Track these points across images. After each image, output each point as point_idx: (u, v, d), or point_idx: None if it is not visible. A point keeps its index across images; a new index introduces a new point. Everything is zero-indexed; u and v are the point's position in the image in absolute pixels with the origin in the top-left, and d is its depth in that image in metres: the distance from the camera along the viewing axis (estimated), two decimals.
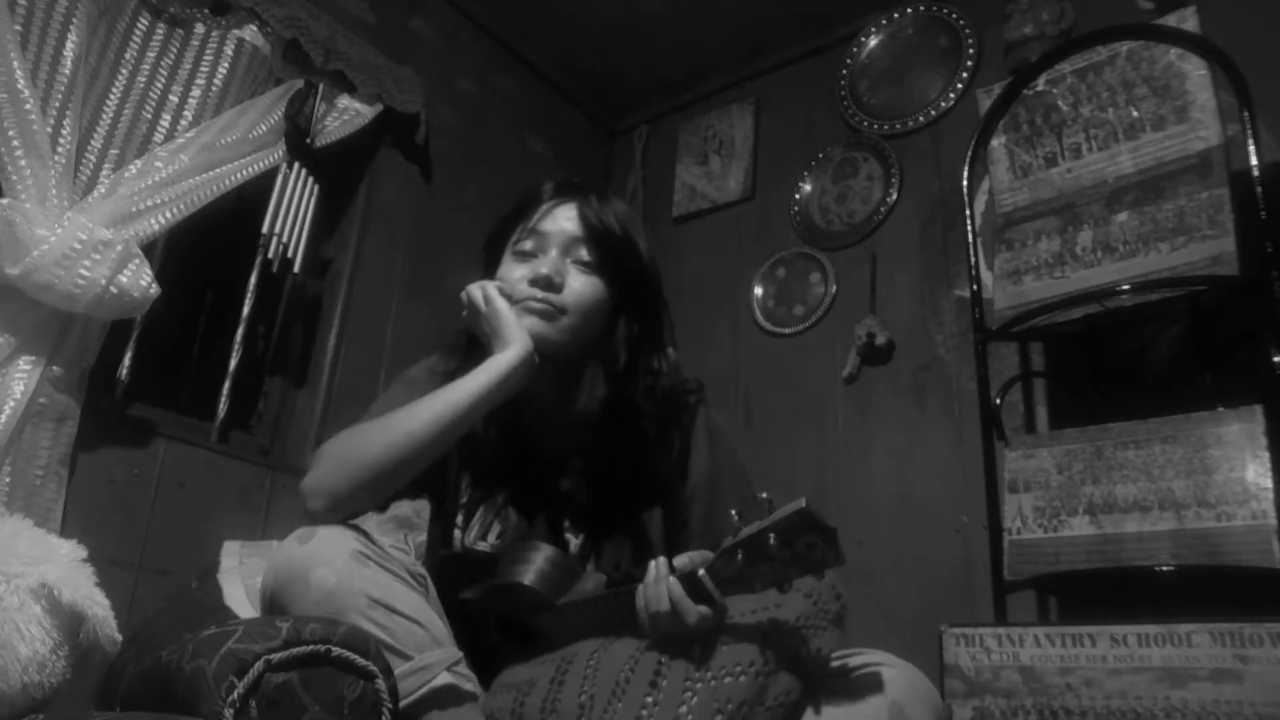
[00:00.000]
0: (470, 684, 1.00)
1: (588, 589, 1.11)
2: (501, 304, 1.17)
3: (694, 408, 1.26)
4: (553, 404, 1.20)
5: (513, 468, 1.20)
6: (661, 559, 1.03)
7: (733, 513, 1.00)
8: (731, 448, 1.30)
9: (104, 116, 1.70)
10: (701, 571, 0.97)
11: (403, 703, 0.94)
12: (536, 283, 1.18)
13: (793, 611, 0.98)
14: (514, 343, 1.15)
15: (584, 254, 1.21)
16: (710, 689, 0.93)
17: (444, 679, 0.97)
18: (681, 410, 1.25)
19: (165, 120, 1.77)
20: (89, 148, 1.67)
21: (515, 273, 1.21)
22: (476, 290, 1.20)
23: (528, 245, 1.23)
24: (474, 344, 1.23)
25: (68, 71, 1.62)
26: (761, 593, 0.97)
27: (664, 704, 0.94)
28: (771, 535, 0.92)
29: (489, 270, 1.26)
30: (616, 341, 1.22)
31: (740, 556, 0.94)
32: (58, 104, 1.61)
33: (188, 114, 1.80)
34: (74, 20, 1.64)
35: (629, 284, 1.23)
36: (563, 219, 1.23)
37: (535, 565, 1.11)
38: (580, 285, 1.20)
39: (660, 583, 0.99)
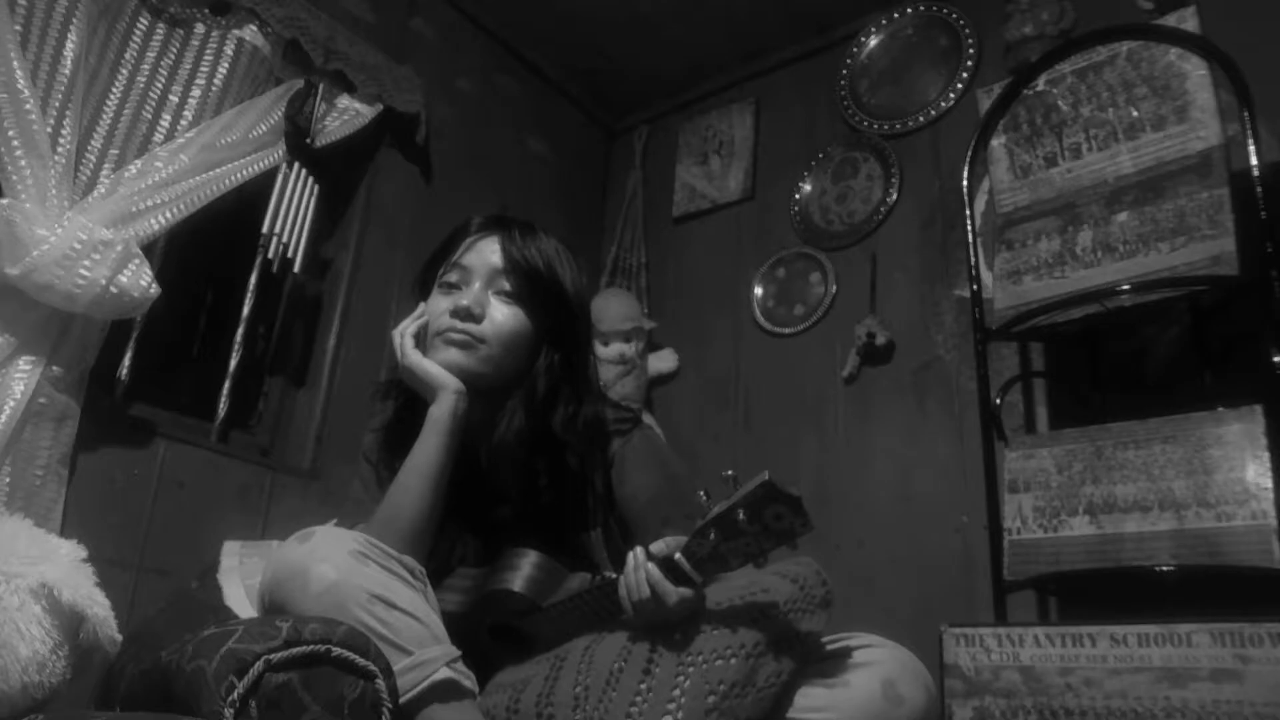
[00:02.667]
0: (469, 681, 1.01)
1: (573, 588, 1.12)
2: (414, 356, 1.21)
3: (627, 434, 1.27)
4: (478, 433, 1.22)
5: (460, 495, 1.21)
6: (639, 547, 1.04)
7: (701, 494, 1.02)
8: (667, 464, 1.30)
9: (104, 116, 1.69)
10: (678, 554, 0.99)
11: (404, 697, 0.95)
12: (457, 314, 1.22)
13: (780, 596, 1.00)
14: (440, 389, 1.18)
15: (506, 285, 1.24)
16: (702, 672, 0.95)
17: (444, 674, 0.98)
18: (607, 439, 1.26)
19: (165, 120, 1.77)
20: (89, 147, 1.67)
21: (440, 305, 1.25)
22: (395, 337, 1.25)
23: (452, 278, 1.27)
24: (396, 384, 1.29)
25: (68, 71, 1.61)
26: (742, 572, 1.00)
27: (657, 690, 0.95)
28: (740, 510, 0.93)
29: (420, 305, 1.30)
30: (536, 372, 1.23)
31: (713, 535, 0.96)
32: (58, 104, 1.60)
33: (187, 114, 1.79)
34: (74, 20, 1.63)
35: (550, 315, 1.25)
36: (486, 251, 1.26)
37: (521, 571, 1.13)
38: (501, 316, 1.23)
39: (639, 569, 1.01)
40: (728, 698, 0.93)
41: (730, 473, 0.99)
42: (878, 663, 1.01)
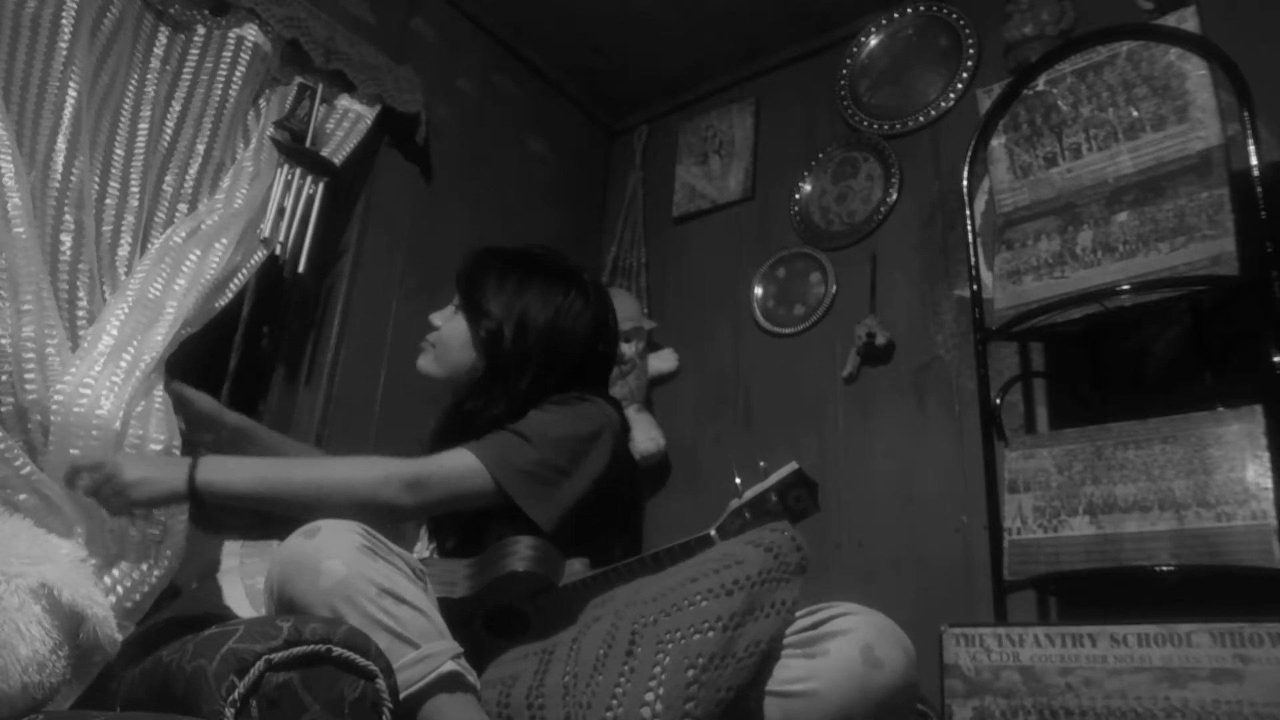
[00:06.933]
0: (472, 677, 1.02)
1: (576, 569, 1.15)
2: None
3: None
4: None
5: None
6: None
7: (737, 480, 1.16)
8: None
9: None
10: (713, 531, 1.11)
11: (411, 689, 0.96)
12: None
13: (754, 566, 1.02)
14: None
15: (457, 298, 1.49)
16: (681, 648, 0.97)
17: (450, 667, 0.99)
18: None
19: (167, 132, 1.78)
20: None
21: None
22: None
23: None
24: None
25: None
26: (724, 549, 1.07)
27: (639, 669, 0.97)
28: (773, 493, 1.10)
29: None
30: (474, 368, 1.44)
31: (747, 514, 1.10)
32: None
33: (188, 127, 1.80)
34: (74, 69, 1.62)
35: (477, 324, 1.44)
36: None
37: (526, 554, 1.15)
38: (447, 326, 1.48)
39: None
40: (707, 670, 0.95)
41: (763, 463, 1.15)
42: (855, 629, 1.01)
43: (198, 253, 1.69)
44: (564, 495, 1.27)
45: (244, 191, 1.82)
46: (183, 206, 1.78)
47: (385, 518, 1.26)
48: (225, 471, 1.26)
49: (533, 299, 1.43)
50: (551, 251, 1.55)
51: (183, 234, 1.71)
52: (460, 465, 1.28)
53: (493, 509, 1.28)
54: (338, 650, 0.89)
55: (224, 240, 1.74)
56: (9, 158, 1.48)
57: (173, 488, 1.23)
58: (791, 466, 1.10)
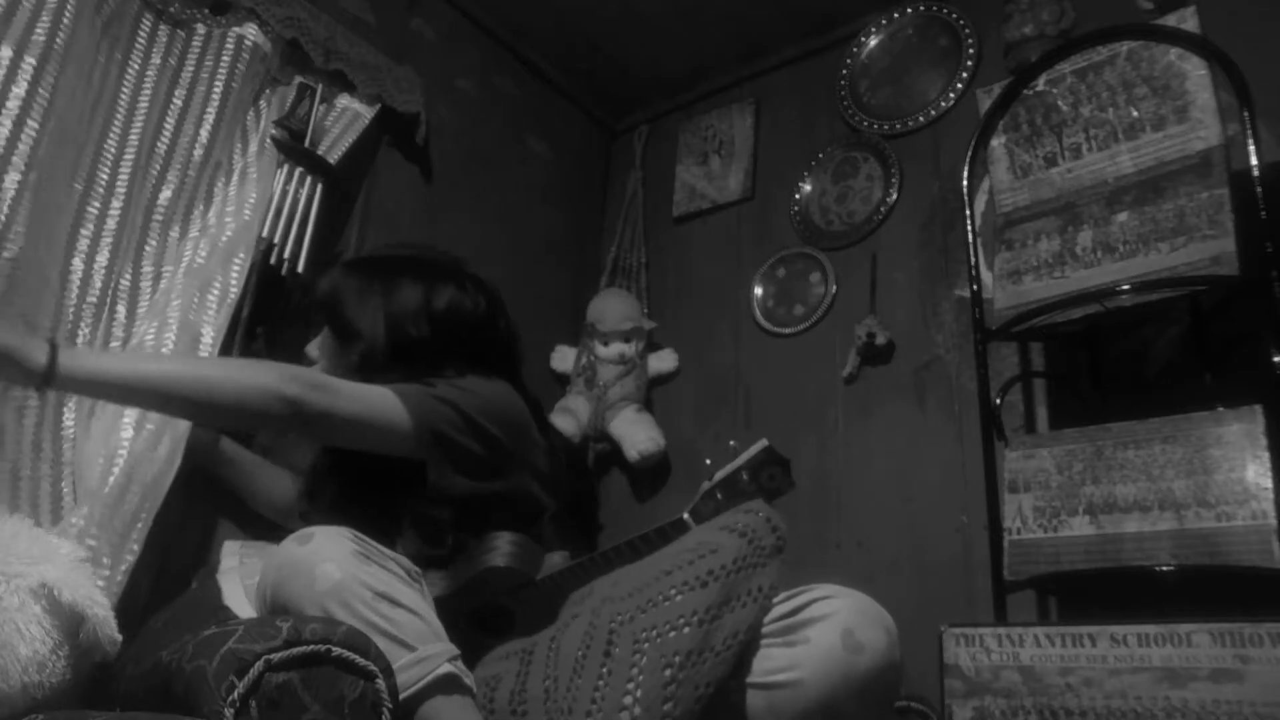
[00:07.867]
0: (468, 679, 1.02)
1: (556, 562, 1.15)
2: None
3: None
4: None
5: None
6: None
7: (707, 461, 1.15)
8: None
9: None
10: (686, 515, 1.08)
11: (408, 691, 0.96)
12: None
13: (729, 554, 1.00)
14: None
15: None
16: (657, 646, 0.96)
17: (447, 669, 0.99)
18: None
19: (165, 136, 1.78)
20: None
21: None
22: None
23: None
24: None
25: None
26: (691, 533, 1.06)
27: (616, 671, 0.96)
28: (744, 472, 1.09)
29: None
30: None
31: (719, 495, 1.09)
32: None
33: (189, 126, 1.80)
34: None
35: (342, 338, 1.46)
36: None
37: (506, 550, 1.14)
38: (324, 360, 1.49)
39: None
40: (684, 668, 0.94)
41: (733, 443, 1.14)
42: (834, 613, 1.00)
43: (221, 271, 1.72)
44: (463, 459, 1.26)
45: (251, 201, 1.83)
46: (183, 208, 1.78)
47: (283, 421, 1.17)
48: (93, 359, 1.15)
49: (403, 304, 1.41)
50: (415, 247, 1.54)
51: (204, 253, 1.72)
52: (380, 393, 1.24)
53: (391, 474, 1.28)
54: (337, 650, 0.89)
55: (241, 255, 1.77)
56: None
57: (28, 370, 1.07)
58: (761, 444, 1.09)
